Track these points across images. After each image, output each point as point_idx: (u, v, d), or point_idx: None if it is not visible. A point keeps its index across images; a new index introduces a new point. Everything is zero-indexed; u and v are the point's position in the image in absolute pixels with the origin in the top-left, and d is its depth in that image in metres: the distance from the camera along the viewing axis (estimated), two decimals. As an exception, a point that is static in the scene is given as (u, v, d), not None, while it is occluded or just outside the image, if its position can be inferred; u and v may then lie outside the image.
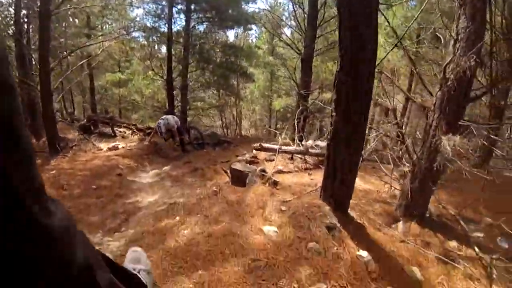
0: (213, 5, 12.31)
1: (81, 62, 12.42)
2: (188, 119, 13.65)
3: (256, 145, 5.96)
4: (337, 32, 2.71)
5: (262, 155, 6.52)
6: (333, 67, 17.40)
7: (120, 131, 12.82)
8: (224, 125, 18.93)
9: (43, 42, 7.25)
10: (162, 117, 8.33)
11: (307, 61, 10.08)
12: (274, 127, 25.59)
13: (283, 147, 5.87)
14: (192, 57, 12.16)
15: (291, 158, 6.28)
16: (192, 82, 12.92)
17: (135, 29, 12.07)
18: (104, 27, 13.65)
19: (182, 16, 12.20)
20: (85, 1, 10.01)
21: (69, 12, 10.13)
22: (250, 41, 21.48)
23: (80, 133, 9.94)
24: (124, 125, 12.64)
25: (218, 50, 12.96)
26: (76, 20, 12.44)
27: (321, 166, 5.81)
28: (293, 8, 11.26)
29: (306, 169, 5.90)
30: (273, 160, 6.32)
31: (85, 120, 11.34)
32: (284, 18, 15.32)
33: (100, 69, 15.11)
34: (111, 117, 12.14)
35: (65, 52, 10.40)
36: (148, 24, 12.12)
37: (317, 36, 10.25)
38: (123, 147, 8.34)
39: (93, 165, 6.27)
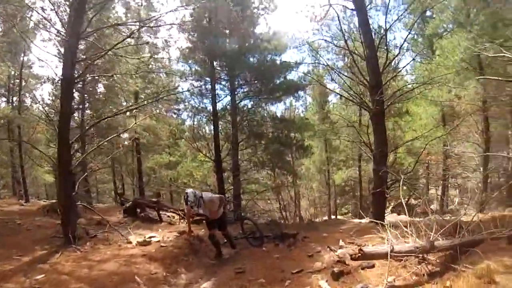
0: (257, 77, 11.41)
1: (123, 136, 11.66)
2: (243, 203, 11.89)
3: (348, 250, 3.75)
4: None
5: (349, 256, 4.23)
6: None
7: (168, 216, 11.45)
8: (281, 207, 16.79)
9: (64, 112, 6.22)
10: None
11: (378, 116, 8.07)
12: (334, 204, 22.94)
13: (396, 247, 3.54)
14: (241, 134, 10.88)
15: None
16: (244, 163, 11.43)
17: (180, 109, 11.35)
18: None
19: (227, 91, 11.37)
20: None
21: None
22: (300, 113, 20.20)
23: (124, 216, 9.42)
24: (171, 210, 11.24)
25: (268, 125, 11.63)
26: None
27: (453, 265, 3.37)
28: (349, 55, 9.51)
29: (430, 274, 3.48)
30: (372, 266, 3.97)
31: (131, 203, 10.42)
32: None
33: (149, 151, 14.52)
34: (157, 201, 10.80)
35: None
36: (193, 103, 11.37)
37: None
38: (158, 241, 6.50)
39: (101, 273, 4.47)
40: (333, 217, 19.49)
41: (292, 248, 6.20)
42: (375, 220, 7.88)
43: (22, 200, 12.27)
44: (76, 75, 6.27)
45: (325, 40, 9.61)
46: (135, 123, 9.98)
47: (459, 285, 2.93)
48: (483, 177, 12.52)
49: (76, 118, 11.68)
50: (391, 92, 9.29)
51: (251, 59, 11.48)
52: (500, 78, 5.89)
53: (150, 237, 6.72)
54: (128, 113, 10.77)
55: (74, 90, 6.78)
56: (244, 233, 7.53)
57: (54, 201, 8.06)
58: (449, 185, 18.38)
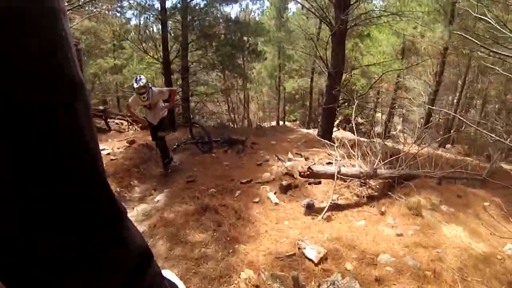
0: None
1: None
2: (191, 105, 11.52)
3: (299, 168, 3.85)
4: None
5: (297, 166, 4.43)
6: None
7: (117, 123, 10.93)
8: (230, 109, 16.71)
9: None
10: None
11: (340, 35, 7.76)
12: (283, 110, 23.45)
13: (343, 170, 3.73)
14: (192, 35, 9.84)
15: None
16: (193, 64, 10.65)
17: (124, 6, 9.71)
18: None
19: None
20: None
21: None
22: (256, 17, 18.81)
23: None
24: (119, 116, 10.71)
25: (221, 27, 10.59)
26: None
27: (390, 193, 3.75)
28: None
29: (369, 197, 3.85)
30: (318, 182, 4.23)
31: None
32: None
33: (90, 55, 12.87)
34: (104, 109, 10.37)
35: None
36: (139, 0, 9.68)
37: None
38: (108, 154, 6.21)
39: None
40: (281, 123, 20.17)
41: (241, 155, 6.33)
42: (322, 136, 8.35)
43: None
44: None
45: None
46: (71, 26, 8.32)
47: (392, 211, 3.26)
48: (426, 114, 13.52)
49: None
50: (357, 13, 8.76)
51: None
52: (471, 38, 5.84)
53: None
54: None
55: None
56: (193, 138, 7.41)
57: None
58: (395, 113, 19.72)
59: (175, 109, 10.25)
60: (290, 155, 6.00)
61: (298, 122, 22.04)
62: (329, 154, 6.11)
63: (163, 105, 5.21)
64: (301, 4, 10.50)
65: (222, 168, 5.44)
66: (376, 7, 11.15)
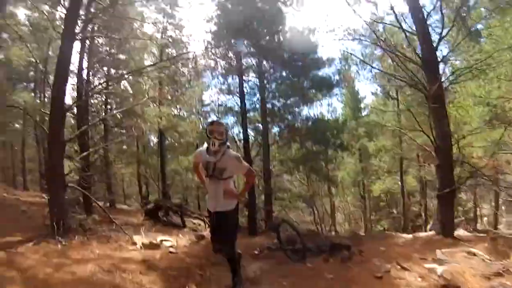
0: (289, 73, 10.31)
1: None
2: (274, 214, 10.46)
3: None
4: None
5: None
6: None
7: (194, 223, 10.30)
8: (315, 219, 15.08)
9: (59, 71, 5.10)
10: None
11: (437, 98, 6.52)
12: (369, 219, 20.79)
13: None
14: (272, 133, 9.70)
15: None
16: (275, 167, 10.15)
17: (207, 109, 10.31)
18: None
19: (256, 89, 10.25)
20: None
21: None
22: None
23: (145, 218, 8.76)
24: (195, 215, 10.24)
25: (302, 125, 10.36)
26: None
27: None
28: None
29: None
30: None
31: (152, 204, 9.71)
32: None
33: (174, 151, 13.49)
34: (180, 205, 10.10)
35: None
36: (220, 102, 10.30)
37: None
38: (170, 246, 5.17)
39: (66, 277, 3.12)
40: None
41: (348, 264, 4.48)
42: (443, 233, 6.32)
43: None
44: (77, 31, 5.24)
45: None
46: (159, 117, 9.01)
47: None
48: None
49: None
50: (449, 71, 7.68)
51: (283, 54, 10.37)
52: None
53: (162, 240, 5.35)
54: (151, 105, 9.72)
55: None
56: (281, 243, 5.68)
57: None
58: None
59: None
60: (439, 255, 4.13)
61: (386, 232, 19.01)
62: (468, 253, 4.31)
63: (233, 188, 3.42)
64: (391, 75, 9.61)
65: (325, 282, 3.81)
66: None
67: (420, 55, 7.12)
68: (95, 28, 8.57)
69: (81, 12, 5.67)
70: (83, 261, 3.62)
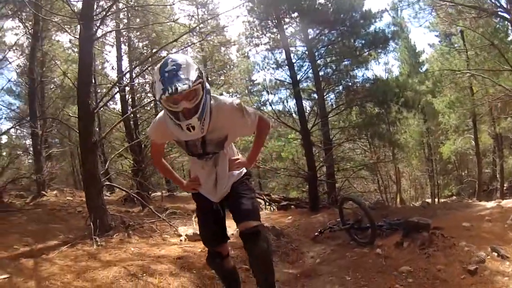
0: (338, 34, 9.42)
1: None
2: (337, 185, 9.87)
3: None
4: None
5: None
6: None
7: (260, 203, 10.14)
8: (380, 188, 14.12)
9: (82, 62, 4.99)
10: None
11: None
12: (436, 185, 19.09)
13: None
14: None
15: None
16: (336, 134, 9.51)
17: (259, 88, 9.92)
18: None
19: (306, 60, 9.55)
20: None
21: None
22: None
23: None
24: (261, 196, 9.88)
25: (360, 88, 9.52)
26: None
27: None
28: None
29: None
30: None
31: None
32: None
33: None
34: None
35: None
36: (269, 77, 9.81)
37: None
38: None
39: (84, 285, 2.80)
40: (436, 200, 16.06)
41: (429, 251, 3.35)
42: None
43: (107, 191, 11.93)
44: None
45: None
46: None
47: None
48: None
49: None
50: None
51: (328, 16, 9.48)
52: None
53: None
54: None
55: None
56: (345, 222, 4.93)
57: (132, 191, 7.17)
58: None
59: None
60: None
61: (455, 197, 17.22)
62: None
63: (236, 153, 2.17)
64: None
65: (401, 281, 2.89)
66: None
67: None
68: (120, 25, 8.48)
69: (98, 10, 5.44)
70: (111, 264, 3.29)
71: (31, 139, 9.56)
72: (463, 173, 19.48)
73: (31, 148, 9.63)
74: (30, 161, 11.54)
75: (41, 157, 8.66)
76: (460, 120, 13.68)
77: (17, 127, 10.19)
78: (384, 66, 16.21)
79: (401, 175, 17.38)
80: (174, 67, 1.57)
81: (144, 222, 5.50)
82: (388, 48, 10.37)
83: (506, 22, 8.32)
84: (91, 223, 4.51)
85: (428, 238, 3.54)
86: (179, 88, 1.52)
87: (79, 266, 3.28)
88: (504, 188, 14.10)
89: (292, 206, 9.34)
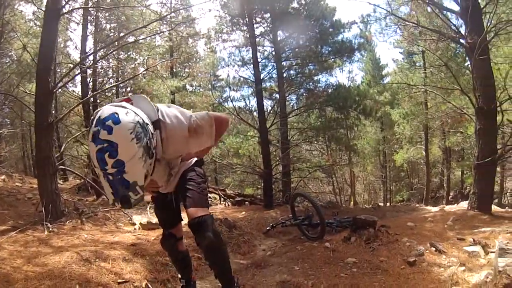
0: (306, 40, 9.72)
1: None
2: (292, 185, 10.21)
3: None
4: None
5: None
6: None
7: (210, 197, 10.22)
8: (334, 190, 14.74)
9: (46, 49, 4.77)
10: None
11: (482, 53, 5.69)
12: (389, 189, 20.27)
13: None
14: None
15: None
16: (294, 134, 9.81)
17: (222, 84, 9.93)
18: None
19: (271, 59, 9.75)
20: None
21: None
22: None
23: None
24: (210, 189, 9.85)
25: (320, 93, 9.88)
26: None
27: None
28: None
29: None
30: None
31: None
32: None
33: None
34: None
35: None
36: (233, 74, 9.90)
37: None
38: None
39: (35, 270, 2.68)
40: (388, 204, 17.11)
41: (373, 245, 3.64)
42: (479, 208, 5.68)
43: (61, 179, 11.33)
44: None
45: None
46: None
47: None
48: None
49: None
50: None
51: (299, 20, 9.72)
52: None
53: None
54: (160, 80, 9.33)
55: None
56: (296, 218, 5.15)
57: (87, 178, 7.01)
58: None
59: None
60: (500, 243, 3.42)
61: (406, 202, 18.52)
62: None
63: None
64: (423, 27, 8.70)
65: (346, 271, 3.12)
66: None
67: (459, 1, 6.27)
68: (89, 2, 8.16)
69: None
70: (63, 249, 3.20)
71: None
72: (413, 181, 20.72)
73: None
74: None
75: None
76: (413, 131, 14.60)
77: None
78: (348, 74, 16.87)
79: (356, 179, 18.24)
80: (114, 161, 1.30)
81: (98, 211, 5.39)
82: (353, 58, 10.78)
83: (463, 48, 8.94)
84: (43, 209, 4.34)
85: (373, 234, 3.82)
86: (132, 202, 1.39)
87: (30, 251, 3.18)
88: (450, 196, 15.26)
89: (247, 203, 9.47)
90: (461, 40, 6.44)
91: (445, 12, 7.00)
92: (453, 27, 6.49)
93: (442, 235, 3.98)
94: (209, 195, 9.71)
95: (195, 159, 2.11)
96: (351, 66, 17.29)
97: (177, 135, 1.64)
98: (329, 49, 10.16)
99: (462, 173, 15.72)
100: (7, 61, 10.42)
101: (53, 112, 8.31)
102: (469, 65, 6.78)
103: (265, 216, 6.68)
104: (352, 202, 16.26)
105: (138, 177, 1.36)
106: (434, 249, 3.35)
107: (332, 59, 10.23)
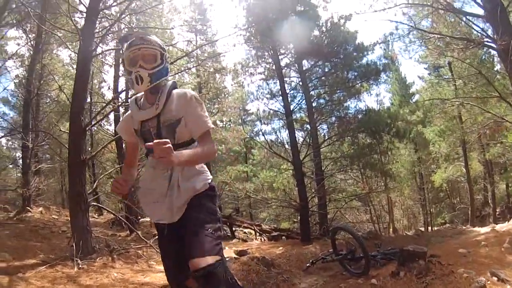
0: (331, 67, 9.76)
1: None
2: (329, 216, 9.91)
3: None
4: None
5: None
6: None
7: (245, 233, 10.28)
8: (372, 218, 14.14)
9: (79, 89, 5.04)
10: None
11: None
12: (428, 213, 19.23)
13: None
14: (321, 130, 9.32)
15: None
16: (328, 164, 9.65)
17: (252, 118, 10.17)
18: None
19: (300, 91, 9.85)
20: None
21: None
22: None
23: None
24: (245, 225, 10.06)
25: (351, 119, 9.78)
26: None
27: None
28: None
29: None
30: None
31: None
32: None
33: (220, 161, 13.56)
34: (229, 215, 10.04)
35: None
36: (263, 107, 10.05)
37: None
38: None
39: None
40: (429, 229, 16.18)
41: (425, 279, 3.26)
42: None
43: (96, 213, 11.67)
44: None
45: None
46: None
47: None
48: None
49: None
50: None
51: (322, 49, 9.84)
52: None
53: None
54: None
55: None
56: (337, 253, 4.84)
57: (120, 214, 7.17)
58: None
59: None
60: None
61: (448, 225, 17.43)
62: None
63: (199, 149, 1.72)
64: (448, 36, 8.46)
65: None
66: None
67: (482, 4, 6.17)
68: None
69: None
70: None
71: (21, 152, 9.60)
72: (455, 201, 19.72)
73: (20, 161, 9.62)
74: (19, 174, 11.51)
75: (30, 171, 8.65)
76: (450, 148, 14.06)
77: (8, 137, 10.10)
78: (376, 97, 16.69)
79: (394, 205, 17.48)
80: (142, 34, 1.78)
81: (130, 247, 5.42)
82: (379, 80, 10.76)
83: (493, 51, 8.67)
84: (74, 244, 4.40)
85: (425, 267, 3.44)
86: (144, 37, 1.73)
87: (55, 288, 3.09)
88: (497, 213, 14.36)
89: (283, 237, 9.39)
90: (491, 44, 6.25)
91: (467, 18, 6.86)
92: (480, 32, 6.33)
93: (501, 261, 3.63)
94: (245, 230, 9.78)
95: (202, 183, 1.76)
96: (378, 89, 17.21)
97: (185, 95, 1.77)
98: (355, 73, 10.21)
99: (507, 186, 14.88)
100: (47, 101, 11.45)
101: (89, 149, 8.68)
102: (500, 70, 6.54)
103: (304, 252, 6.53)
104: (391, 229, 15.51)
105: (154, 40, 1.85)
106: (496, 278, 3.04)
107: (359, 84, 10.23)
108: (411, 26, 8.99)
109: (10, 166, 11.19)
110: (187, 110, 1.73)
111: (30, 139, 8.46)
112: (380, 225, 14.98)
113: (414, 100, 16.59)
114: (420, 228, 15.26)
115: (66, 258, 4.32)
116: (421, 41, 10.21)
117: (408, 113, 13.69)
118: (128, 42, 1.72)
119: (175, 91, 1.79)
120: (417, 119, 13.74)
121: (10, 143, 12.55)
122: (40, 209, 8.95)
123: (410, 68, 55.35)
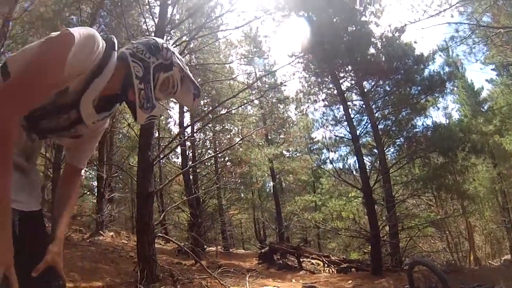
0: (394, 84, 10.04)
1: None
2: (401, 245, 9.88)
3: None
4: None
5: None
6: None
7: (312, 264, 10.79)
8: (449, 246, 13.66)
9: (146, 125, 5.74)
10: None
11: None
12: (513, 238, 18.00)
13: None
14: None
15: None
16: (398, 191, 9.77)
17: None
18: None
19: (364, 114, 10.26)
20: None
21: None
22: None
23: (259, 262, 9.92)
24: (313, 256, 10.50)
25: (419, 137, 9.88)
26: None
27: None
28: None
29: None
30: None
31: (267, 248, 10.89)
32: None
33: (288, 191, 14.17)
34: (297, 246, 10.80)
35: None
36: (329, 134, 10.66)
37: None
38: None
39: None
40: None
41: None
42: None
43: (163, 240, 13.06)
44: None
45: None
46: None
47: None
48: None
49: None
50: None
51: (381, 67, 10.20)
52: None
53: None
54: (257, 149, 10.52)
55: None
56: None
57: (185, 244, 8.01)
58: None
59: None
60: None
61: None
62: None
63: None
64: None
65: None
66: None
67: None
68: None
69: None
70: None
71: (96, 181, 11.72)
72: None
73: (95, 190, 11.69)
74: (94, 201, 13.65)
75: (103, 199, 10.22)
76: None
77: (85, 169, 11.98)
78: (443, 110, 16.46)
79: (473, 230, 16.72)
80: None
81: (194, 278, 5.97)
82: (445, 91, 10.96)
83: None
84: (139, 272, 5.12)
85: None
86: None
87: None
88: None
89: (353, 269, 9.70)
90: None
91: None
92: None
93: None
94: (313, 261, 10.25)
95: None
96: (445, 101, 16.97)
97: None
98: (419, 88, 10.53)
99: None
100: (119, 137, 13.50)
101: (158, 180, 9.75)
102: None
103: (376, 286, 6.65)
104: (471, 259, 14.81)
105: None
106: None
107: (424, 98, 10.45)
108: (473, 24, 9.00)
109: (87, 193, 13.07)
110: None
111: (104, 170, 10.13)
112: (458, 254, 14.48)
113: (486, 108, 16.06)
114: (507, 257, 14.39)
115: (131, 283, 5.11)
116: (486, 39, 10.11)
117: (482, 123, 13.34)
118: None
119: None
120: (494, 129, 13.26)
121: (87, 173, 14.83)
122: (112, 233, 10.39)
123: (475, 72, 52.89)
